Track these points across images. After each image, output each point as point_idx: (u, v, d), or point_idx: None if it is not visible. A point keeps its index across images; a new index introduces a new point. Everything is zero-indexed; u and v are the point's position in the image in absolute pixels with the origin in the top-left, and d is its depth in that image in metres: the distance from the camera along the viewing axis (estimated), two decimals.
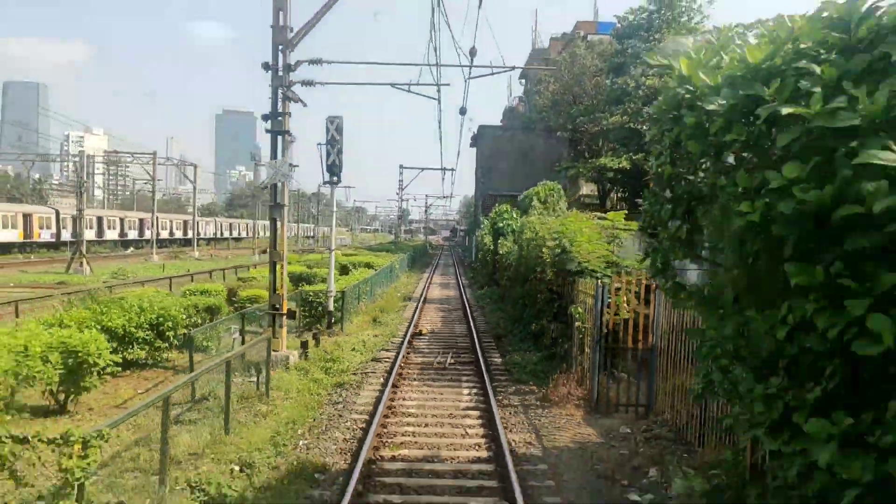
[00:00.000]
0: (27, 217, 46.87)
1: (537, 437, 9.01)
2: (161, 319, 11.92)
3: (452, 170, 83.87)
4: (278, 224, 13.10)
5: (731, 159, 3.51)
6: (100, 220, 57.28)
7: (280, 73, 12.16)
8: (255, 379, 10.37)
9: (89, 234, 46.11)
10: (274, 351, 11.71)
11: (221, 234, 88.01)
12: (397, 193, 70.51)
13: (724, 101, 3.28)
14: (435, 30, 17.67)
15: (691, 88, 3.66)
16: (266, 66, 12.02)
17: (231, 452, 7.72)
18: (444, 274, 44.45)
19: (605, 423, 9.40)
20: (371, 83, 20.16)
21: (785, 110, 2.89)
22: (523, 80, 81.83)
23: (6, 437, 5.15)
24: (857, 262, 2.69)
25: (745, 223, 3.08)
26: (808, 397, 3.04)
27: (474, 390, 11.54)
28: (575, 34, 65.75)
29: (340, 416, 9.85)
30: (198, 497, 6.53)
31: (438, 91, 17.44)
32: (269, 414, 9.48)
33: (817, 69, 2.93)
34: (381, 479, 7.30)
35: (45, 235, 48.52)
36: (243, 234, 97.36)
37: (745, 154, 3.39)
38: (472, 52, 16.83)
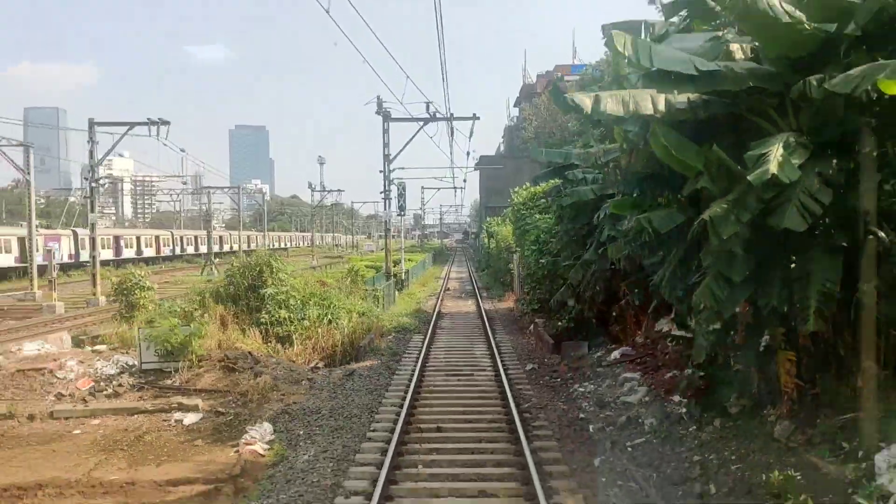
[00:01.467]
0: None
1: (494, 307, 25.91)
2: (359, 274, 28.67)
3: (462, 187, 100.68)
4: (388, 239, 30.10)
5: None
6: (157, 238, 72.48)
7: (387, 174, 29.08)
8: (392, 294, 27.40)
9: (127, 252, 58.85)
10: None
11: (271, 245, 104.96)
12: (421, 209, 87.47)
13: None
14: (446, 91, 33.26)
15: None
16: (386, 180, 28.97)
17: (395, 310, 24.67)
18: (458, 264, 61.65)
19: (515, 307, 26.27)
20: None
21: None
22: (516, 108, 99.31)
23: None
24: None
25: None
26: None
27: (473, 300, 28.52)
28: (554, 74, 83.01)
29: (422, 308, 26.73)
30: (392, 321, 23.20)
31: (451, 136, 33.58)
32: (398, 304, 26.45)
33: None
34: (441, 316, 24.17)
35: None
36: (287, 245, 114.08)
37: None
38: (475, 118, 32.15)
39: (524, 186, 25.30)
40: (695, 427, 8.83)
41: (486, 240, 50.87)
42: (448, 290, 33.99)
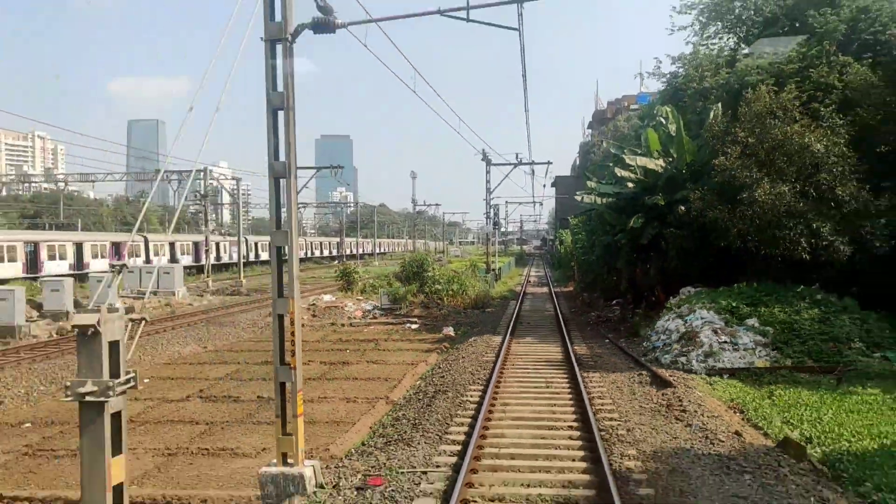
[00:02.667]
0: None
1: (559, 290, 39.50)
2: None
3: (541, 202, 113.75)
4: (488, 247, 44.04)
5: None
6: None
7: (489, 201, 43.12)
8: (492, 282, 41.43)
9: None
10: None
11: (372, 252, 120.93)
12: (496, 223, 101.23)
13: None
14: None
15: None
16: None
17: (496, 290, 38.63)
18: (536, 267, 75.32)
19: (572, 288, 39.74)
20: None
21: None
22: (590, 129, 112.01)
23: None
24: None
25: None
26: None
27: (546, 287, 42.20)
28: (621, 103, 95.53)
29: (513, 289, 40.55)
30: (499, 293, 37.07)
31: (532, 175, 47.76)
32: (497, 287, 40.40)
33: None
34: (525, 294, 37.92)
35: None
36: (385, 250, 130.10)
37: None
38: (549, 163, 46.51)
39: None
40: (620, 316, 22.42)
41: (558, 246, 64.21)
42: (529, 281, 47.80)
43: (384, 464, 8.91)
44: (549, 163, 42.99)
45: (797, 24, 22.19)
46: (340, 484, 8.26)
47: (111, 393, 5.84)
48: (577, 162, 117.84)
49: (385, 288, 30.29)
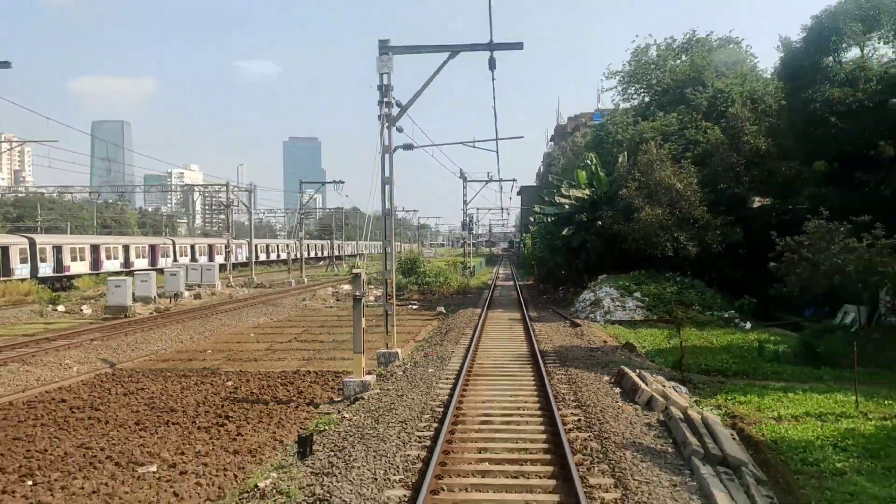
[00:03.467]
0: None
1: (523, 283, 49.40)
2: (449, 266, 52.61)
3: (508, 210, 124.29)
4: (465, 248, 53.78)
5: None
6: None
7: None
8: (469, 276, 51.24)
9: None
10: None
11: (354, 253, 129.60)
12: (471, 230, 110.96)
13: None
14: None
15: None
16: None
17: (473, 282, 48.37)
18: (503, 266, 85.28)
19: (532, 280, 49.72)
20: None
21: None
22: (552, 142, 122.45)
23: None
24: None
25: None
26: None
27: (512, 281, 52.10)
28: (579, 119, 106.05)
29: (485, 282, 50.34)
30: (475, 285, 46.84)
31: (500, 190, 57.70)
32: (473, 281, 50.15)
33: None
34: (496, 286, 47.72)
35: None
36: (365, 252, 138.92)
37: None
38: (514, 181, 56.53)
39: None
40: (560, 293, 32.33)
41: (522, 248, 74.36)
42: (498, 276, 57.61)
43: (427, 355, 18.53)
44: (513, 180, 53.15)
45: (682, 94, 32.39)
46: (413, 356, 17.90)
47: (362, 296, 15.38)
48: (542, 170, 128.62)
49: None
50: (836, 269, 15.46)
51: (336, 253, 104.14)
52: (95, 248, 46.97)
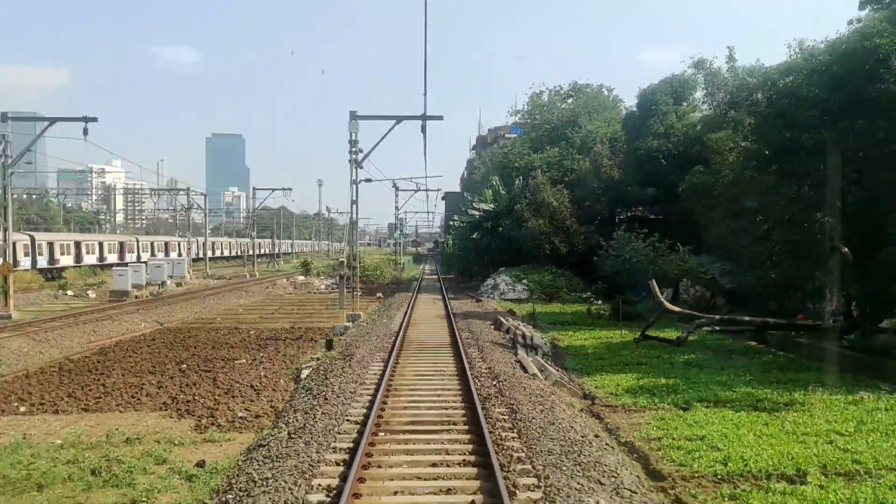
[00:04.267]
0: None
1: (445, 277, 59.41)
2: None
3: (433, 212, 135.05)
4: (398, 248, 63.38)
5: None
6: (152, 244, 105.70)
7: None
8: (400, 271, 60.79)
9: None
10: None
11: (289, 251, 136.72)
12: (402, 233, 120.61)
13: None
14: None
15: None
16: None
17: (405, 275, 57.91)
18: (430, 263, 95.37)
19: (454, 275, 59.80)
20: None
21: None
22: (474, 150, 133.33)
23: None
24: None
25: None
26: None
27: (437, 275, 62.02)
28: (498, 132, 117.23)
29: (414, 276, 59.99)
30: (406, 278, 56.39)
31: (427, 195, 67.42)
32: (405, 274, 59.71)
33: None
34: (423, 279, 57.49)
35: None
36: (289, 250, 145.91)
37: None
38: (440, 190, 66.55)
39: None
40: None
41: (446, 247, 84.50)
42: (424, 271, 67.40)
43: (380, 313, 28.07)
44: (438, 189, 63.16)
45: (563, 132, 43.08)
46: (371, 317, 27.47)
47: (346, 274, 24.80)
48: (465, 175, 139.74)
49: (335, 271, 49.03)
50: (627, 263, 25.98)
51: (277, 251, 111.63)
52: (78, 245, 54.05)
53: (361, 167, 28.36)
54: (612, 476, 8.31)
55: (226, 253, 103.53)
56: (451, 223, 42.42)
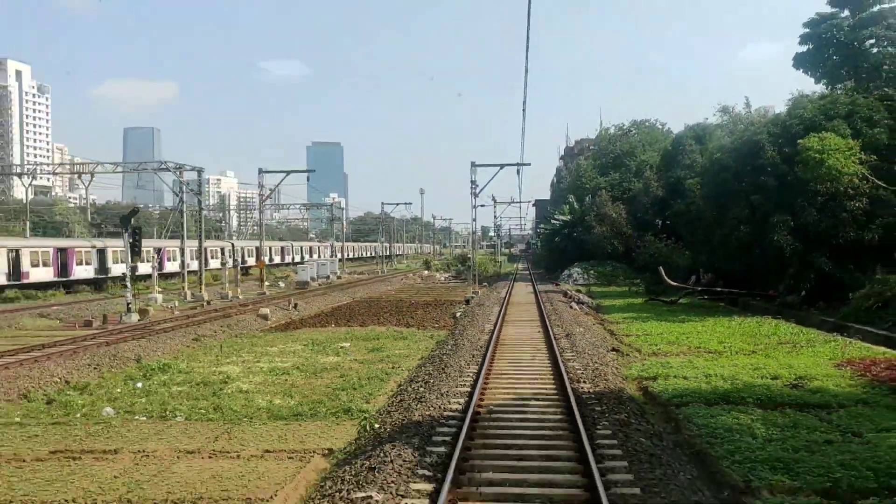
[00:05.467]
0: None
1: (535, 272, 73.94)
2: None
3: (524, 217, 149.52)
4: (497, 251, 78.34)
5: None
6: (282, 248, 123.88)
7: (496, 226, 77.35)
8: (500, 267, 75.87)
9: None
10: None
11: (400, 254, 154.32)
12: (500, 236, 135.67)
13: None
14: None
15: None
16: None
17: (502, 271, 72.88)
18: (522, 262, 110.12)
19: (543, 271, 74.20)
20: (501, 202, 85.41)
21: None
22: (562, 160, 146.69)
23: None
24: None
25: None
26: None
27: (528, 272, 76.63)
28: (584, 143, 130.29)
29: (510, 272, 74.78)
30: (504, 272, 71.32)
31: (521, 209, 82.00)
32: (501, 269, 74.66)
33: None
34: (518, 274, 72.27)
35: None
36: (399, 253, 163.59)
37: None
38: (531, 200, 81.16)
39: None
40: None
41: (537, 249, 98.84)
42: (518, 269, 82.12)
43: (490, 291, 43.19)
44: (531, 200, 77.48)
45: (623, 160, 56.78)
46: (484, 295, 42.73)
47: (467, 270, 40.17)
48: (555, 181, 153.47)
49: (455, 267, 64.71)
50: (652, 257, 39.88)
51: (387, 253, 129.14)
52: (257, 249, 72.20)
53: (477, 196, 43.53)
54: (598, 337, 22.87)
55: (352, 255, 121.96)
56: (539, 230, 57.23)
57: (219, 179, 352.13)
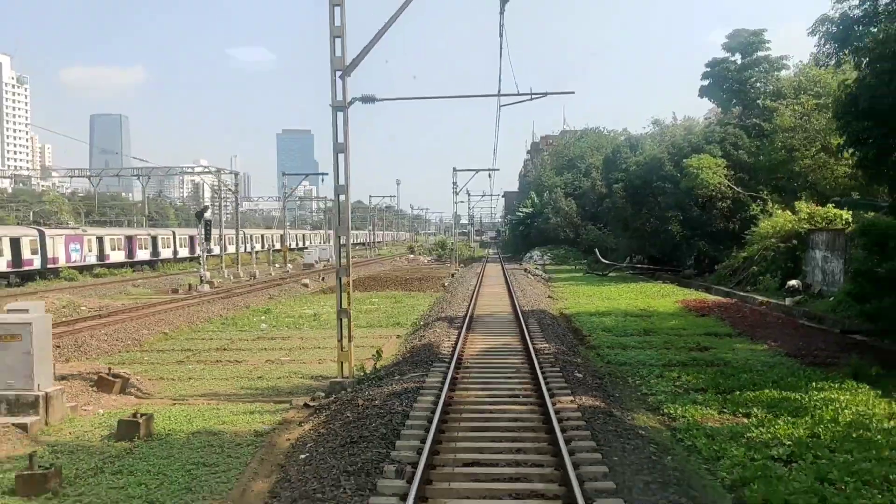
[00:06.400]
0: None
1: (504, 255, 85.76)
2: None
3: (497, 196, 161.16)
4: (470, 238, 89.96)
5: None
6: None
7: (470, 214, 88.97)
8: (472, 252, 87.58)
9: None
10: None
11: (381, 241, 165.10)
12: (472, 224, 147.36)
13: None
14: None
15: None
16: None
17: (476, 254, 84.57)
18: (492, 248, 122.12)
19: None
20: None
21: None
22: (528, 154, 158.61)
23: None
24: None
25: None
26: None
27: (498, 256, 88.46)
28: (548, 140, 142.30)
29: (483, 255, 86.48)
30: (477, 255, 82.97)
31: (491, 197, 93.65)
32: (475, 254, 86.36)
33: None
34: (488, 257, 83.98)
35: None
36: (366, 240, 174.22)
37: None
38: (502, 194, 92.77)
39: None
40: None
41: (505, 236, 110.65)
42: (488, 254, 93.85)
43: (467, 270, 54.77)
44: (500, 193, 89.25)
45: (575, 163, 68.68)
46: (462, 273, 54.34)
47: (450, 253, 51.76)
48: (522, 172, 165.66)
49: (436, 252, 76.10)
50: (592, 241, 51.76)
51: (372, 240, 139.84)
52: (262, 237, 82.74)
53: (458, 194, 54.80)
54: (542, 293, 34.43)
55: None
56: (507, 220, 68.88)
57: (191, 168, 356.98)
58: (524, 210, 68.36)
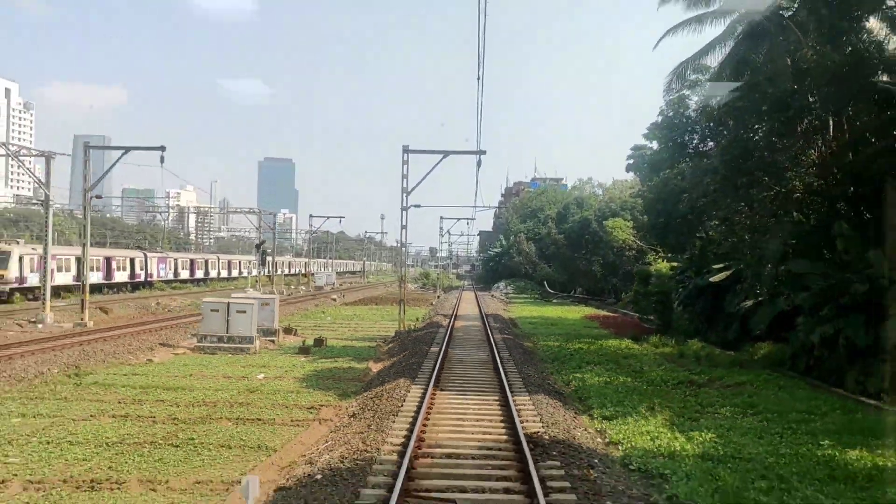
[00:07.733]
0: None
1: (478, 287, 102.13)
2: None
3: (470, 246, 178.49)
4: (448, 270, 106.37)
5: None
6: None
7: (448, 245, 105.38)
8: (449, 285, 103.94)
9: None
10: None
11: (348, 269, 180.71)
12: (441, 250, 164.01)
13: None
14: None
15: None
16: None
17: (454, 284, 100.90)
18: (467, 280, 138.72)
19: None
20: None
21: None
22: (503, 196, 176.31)
23: None
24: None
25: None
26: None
27: (472, 287, 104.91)
28: (521, 186, 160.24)
29: (460, 286, 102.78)
30: (455, 286, 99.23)
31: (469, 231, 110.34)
32: (453, 284, 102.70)
33: None
34: (465, 288, 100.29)
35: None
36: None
37: None
38: (480, 233, 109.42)
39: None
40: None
41: (480, 270, 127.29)
42: (464, 285, 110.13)
43: (448, 294, 71.15)
44: (477, 233, 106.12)
45: (534, 212, 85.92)
46: (443, 298, 70.81)
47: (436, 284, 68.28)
48: (497, 212, 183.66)
49: (421, 281, 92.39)
50: (544, 277, 68.53)
51: (362, 269, 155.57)
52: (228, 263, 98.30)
53: (444, 236, 71.43)
54: (502, 309, 50.77)
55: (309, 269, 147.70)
56: (480, 257, 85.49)
57: (178, 193, 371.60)
58: (494, 250, 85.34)
